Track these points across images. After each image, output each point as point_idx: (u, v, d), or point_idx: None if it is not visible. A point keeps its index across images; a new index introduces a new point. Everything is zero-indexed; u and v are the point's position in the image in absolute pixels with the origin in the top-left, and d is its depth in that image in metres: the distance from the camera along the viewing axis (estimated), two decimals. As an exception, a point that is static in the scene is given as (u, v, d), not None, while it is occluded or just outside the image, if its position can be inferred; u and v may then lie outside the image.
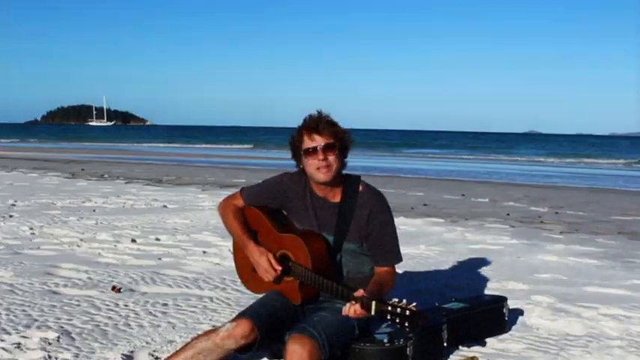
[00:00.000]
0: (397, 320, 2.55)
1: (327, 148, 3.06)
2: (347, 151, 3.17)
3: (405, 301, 2.57)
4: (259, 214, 3.30)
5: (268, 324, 3.01)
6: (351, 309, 2.74)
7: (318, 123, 3.08)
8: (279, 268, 3.13)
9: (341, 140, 3.11)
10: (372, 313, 2.66)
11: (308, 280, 3.04)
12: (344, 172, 3.21)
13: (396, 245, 3.19)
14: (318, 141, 3.06)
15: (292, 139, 3.17)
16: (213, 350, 2.95)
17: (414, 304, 2.56)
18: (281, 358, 3.10)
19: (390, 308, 2.58)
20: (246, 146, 49.73)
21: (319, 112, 3.12)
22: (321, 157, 3.05)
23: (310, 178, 3.17)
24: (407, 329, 2.54)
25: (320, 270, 3.03)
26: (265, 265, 3.13)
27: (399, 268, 5.53)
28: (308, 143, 3.08)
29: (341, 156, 3.13)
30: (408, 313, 2.52)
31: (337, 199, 3.19)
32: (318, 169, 3.07)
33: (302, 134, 3.11)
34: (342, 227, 3.15)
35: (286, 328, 3.01)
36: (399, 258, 3.20)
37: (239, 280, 3.49)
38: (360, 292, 2.76)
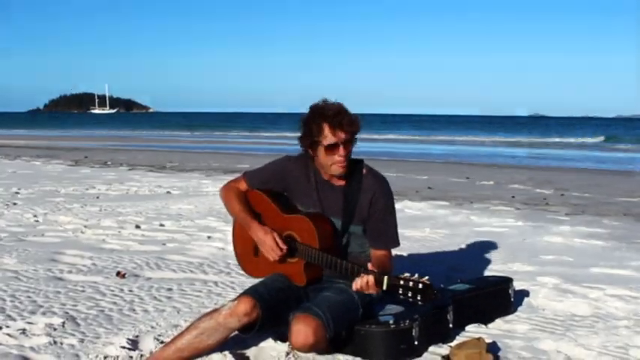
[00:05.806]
0: (409, 294, 2.53)
1: (347, 144, 3.05)
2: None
3: (417, 275, 2.57)
4: (263, 197, 3.28)
5: (270, 302, 3.00)
6: (364, 279, 2.73)
7: (342, 119, 3.01)
8: (284, 246, 3.11)
9: (357, 133, 3.11)
10: (384, 287, 2.66)
11: (315, 260, 3.02)
12: None
13: (396, 229, 3.20)
14: (342, 137, 3.02)
15: (308, 125, 3.06)
16: (216, 329, 2.94)
17: (427, 277, 2.55)
18: (286, 341, 3.10)
19: (402, 282, 2.56)
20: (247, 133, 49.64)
21: (341, 105, 3.06)
22: (342, 152, 3.02)
23: (321, 167, 3.14)
24: (419, 303, 2.53)
25: (326, 250, 3.01)
26: (271, 243, 3.11)
27: (405, 251, 5.55)
28: (331, 139, 3.01)
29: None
30: (421, 286, 2.51)
31: (341, 182, 3.17)
32: (335, 163, 3.05)
33: (322, 126, 3.01)
34: (349, 210, 3.14)
35: (289, 308, 3.00)
36: (397, 242, 3.21)
37: (242, 265, 3.47)
38: (371, 266, 2.76)
